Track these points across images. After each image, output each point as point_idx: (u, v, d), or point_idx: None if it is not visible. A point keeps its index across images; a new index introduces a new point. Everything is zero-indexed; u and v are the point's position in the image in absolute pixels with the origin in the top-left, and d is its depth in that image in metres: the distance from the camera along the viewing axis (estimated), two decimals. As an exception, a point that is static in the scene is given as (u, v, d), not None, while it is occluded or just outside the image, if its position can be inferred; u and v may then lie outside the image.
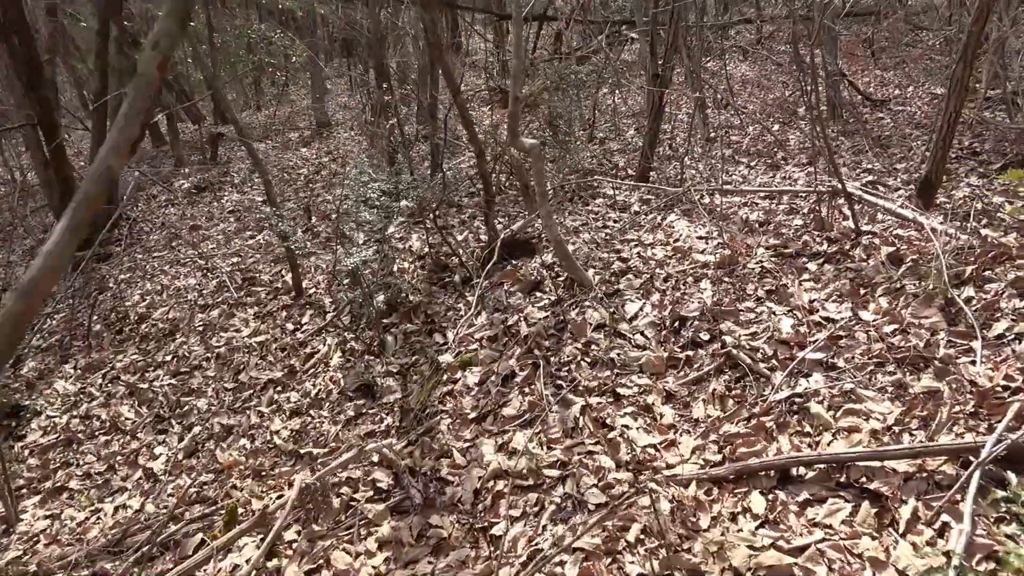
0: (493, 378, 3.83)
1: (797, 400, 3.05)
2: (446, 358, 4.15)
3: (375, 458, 3.53)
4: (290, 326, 5.37)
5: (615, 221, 5.50)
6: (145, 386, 5.24)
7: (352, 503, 3.29)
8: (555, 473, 3.04)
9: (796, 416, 2.99)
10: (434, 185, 6.09)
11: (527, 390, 3.66)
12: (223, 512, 3.52)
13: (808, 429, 2.90)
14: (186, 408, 4.86)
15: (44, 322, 6.73)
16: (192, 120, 13.88)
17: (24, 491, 4.49)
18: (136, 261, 7.44)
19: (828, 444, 2.77)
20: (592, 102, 8.48)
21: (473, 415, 3.62)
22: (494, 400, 3.67)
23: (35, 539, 3.95)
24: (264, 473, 3.92)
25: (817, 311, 3.61)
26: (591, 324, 3.99)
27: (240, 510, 3.51)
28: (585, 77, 7.79)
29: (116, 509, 4.05)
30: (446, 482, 3.23)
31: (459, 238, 5.82)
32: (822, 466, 2.67)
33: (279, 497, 3.53)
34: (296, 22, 15.28)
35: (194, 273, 6.71)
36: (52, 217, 8.30)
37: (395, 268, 5.51)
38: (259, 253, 6.95)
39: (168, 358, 5.51)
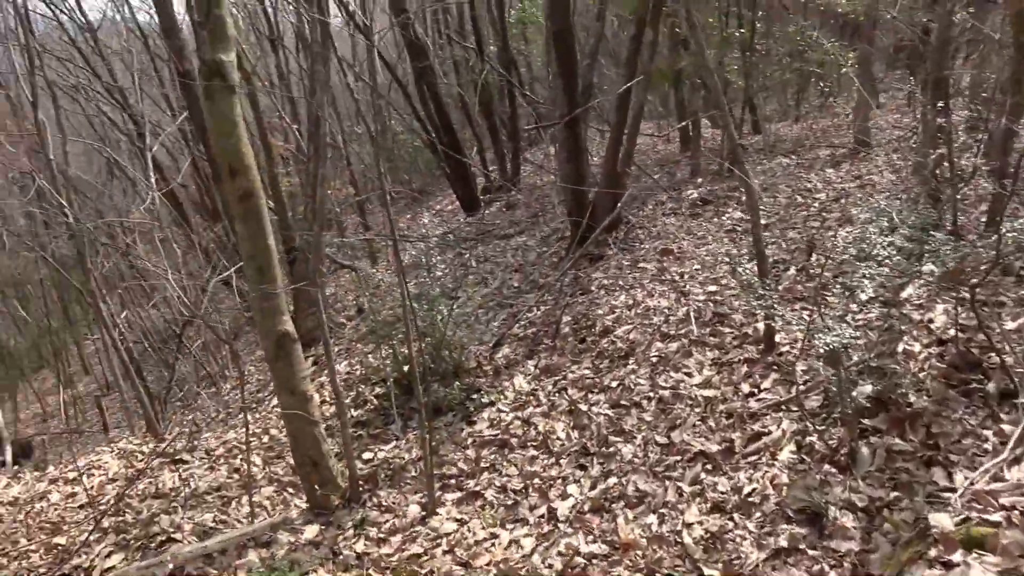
0: (1020, 593, 2.34)
1: None
2: (942, 519, 2.75)
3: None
4: (745, 387, 4.46)
5: None
6: (585, 408, 4.99)
7: None
8: None
9: None
10: (985, 245, 4.38)
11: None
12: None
13: None
14: (612, 450, 4.42)
15: (531, 311, 7.15)
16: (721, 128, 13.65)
17: (453, 482, 4.66)
18: (622, 268, 7.39)
19: None
20: None
21: (968, 649, 2.24)
22: (1014, 638, 2.21)
23: (438, 542, 3.98)
24: (657, 574, 3.19)
25: None
26: None
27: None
28: None
29: (509, 543, 3.82)
30: None
31: (1009, 326, 4.05)
32: None
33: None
34: (856, 27, 13.65)
35: (667, 295, 6.27)
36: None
37: (900, 348, 4.11)
38: (740, 286, 6.14)
39: (614, 384, 5.17)
